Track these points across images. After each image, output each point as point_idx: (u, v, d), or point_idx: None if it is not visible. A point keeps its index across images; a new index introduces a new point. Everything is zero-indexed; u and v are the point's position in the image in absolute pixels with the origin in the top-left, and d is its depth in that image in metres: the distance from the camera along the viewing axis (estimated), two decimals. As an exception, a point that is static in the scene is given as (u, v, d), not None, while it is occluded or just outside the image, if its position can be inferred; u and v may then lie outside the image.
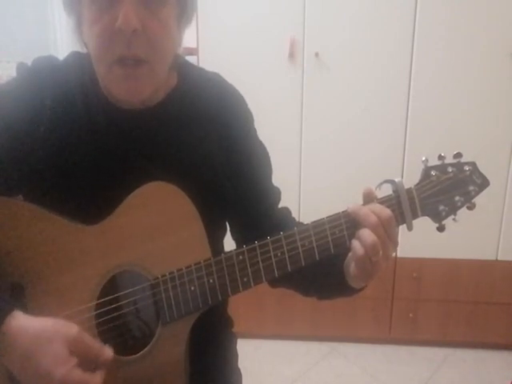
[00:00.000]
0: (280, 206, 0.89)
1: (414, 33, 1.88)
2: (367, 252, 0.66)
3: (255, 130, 0.86)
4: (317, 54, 1.92)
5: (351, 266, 0.71)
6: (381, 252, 0.67)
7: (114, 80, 0.68)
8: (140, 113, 0.76)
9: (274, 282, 0.85)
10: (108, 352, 0.65)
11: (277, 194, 0.89)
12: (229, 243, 0.85)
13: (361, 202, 0.71)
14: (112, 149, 0.75)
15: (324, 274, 0.76)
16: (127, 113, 0.75)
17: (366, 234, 0.67)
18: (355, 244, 0.68)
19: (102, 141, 0.75)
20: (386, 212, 0.68)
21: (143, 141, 0.76)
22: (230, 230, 0.89)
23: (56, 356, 0.61)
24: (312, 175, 2.07)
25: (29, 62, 0.77)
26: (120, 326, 0.72)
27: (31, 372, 0.61)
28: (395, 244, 0.70)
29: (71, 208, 0.72)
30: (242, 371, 0.96)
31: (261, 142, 0.87)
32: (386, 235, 0.68)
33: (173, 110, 0.78)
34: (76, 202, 0.73)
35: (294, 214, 0.90)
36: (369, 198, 0.71)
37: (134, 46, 0.65)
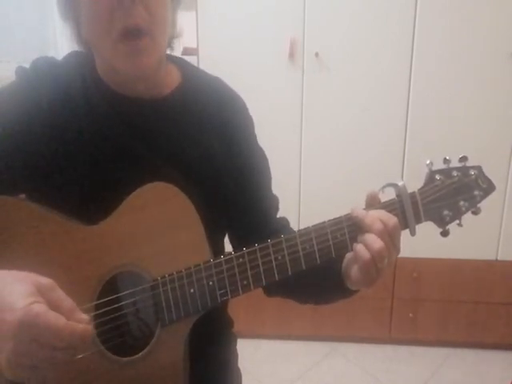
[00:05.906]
0: (279, 212, 0.89)
1: (413, 33, 1.88)
2: (374, 257, 0.66)
3: (255, 136, 0.86)
4: (317, 54, 1.92)
5: (353, 270, 0.70)
6: (386, 260, 0.66)
7: (120, 57, 0.69)
8: (144, 102, 0.77)
9: (270, 291, 0.85)
10: (83, 315, 0.57)
11: (275, 201, 0.88)
12: (229, 245, 0.85)
13: (362, 204, 0.71)
14: (115, 137, 0.75)
15: (321, 278, 0.75)
16: (131, 101, 0.76)
17: (373, 240, 0.66)
18: (360, 248, 0.67)
19: (105, 129, 0.75)
20: (393, 220, 0.67)
21: (146, 130, 0.76)
22: (229, 237, 0.89)
23: (22, 292, 0.55)
24: (312, 175, 2.06)
25: (28, 65, 0.77)
26: (119, 326, 0.72)
27: None
28: (398, 251, 0.69)
29: (73, 202, 0.73)
30: (242, 371, 0.96)
31: (260, 148, 0.87)
32: (392, 243, 0.67)
33: (177, 105, 0.78)
34: (78, 194, 0.74)
35: (294, 215, 0.90)
36: (372, 201, 0.70)
37: (133, 15, 0.67)
